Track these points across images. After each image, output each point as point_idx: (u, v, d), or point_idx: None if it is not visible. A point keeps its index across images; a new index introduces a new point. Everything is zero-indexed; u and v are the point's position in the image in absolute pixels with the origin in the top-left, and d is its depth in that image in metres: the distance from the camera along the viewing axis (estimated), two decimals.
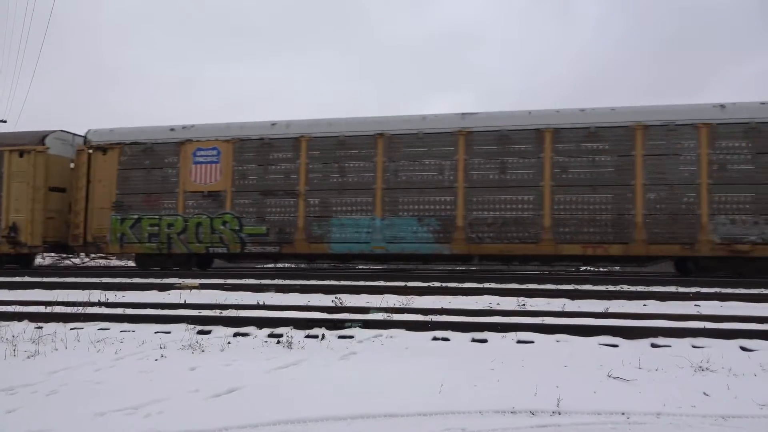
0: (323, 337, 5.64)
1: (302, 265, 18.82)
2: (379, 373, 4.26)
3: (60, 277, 13.22)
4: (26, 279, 12.33)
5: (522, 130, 12.93)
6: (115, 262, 21.54)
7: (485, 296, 9.10)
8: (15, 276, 13.33)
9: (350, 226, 13.56)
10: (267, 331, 5.94)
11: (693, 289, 9.96)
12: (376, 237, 13.42)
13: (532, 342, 5.37)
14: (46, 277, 13.11)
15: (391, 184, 13.40)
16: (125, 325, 6.30)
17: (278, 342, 5.43)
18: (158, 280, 11.82)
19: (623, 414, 3.39)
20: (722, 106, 12.28)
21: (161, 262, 14.75)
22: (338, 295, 8.79)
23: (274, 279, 12.21)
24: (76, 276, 13.52)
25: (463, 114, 13.46)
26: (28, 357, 4.87)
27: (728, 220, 11.94)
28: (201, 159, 14.46)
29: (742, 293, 9.39)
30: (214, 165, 14.35)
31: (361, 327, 6.01)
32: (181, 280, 11.26)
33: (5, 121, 27.46)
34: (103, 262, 21.26)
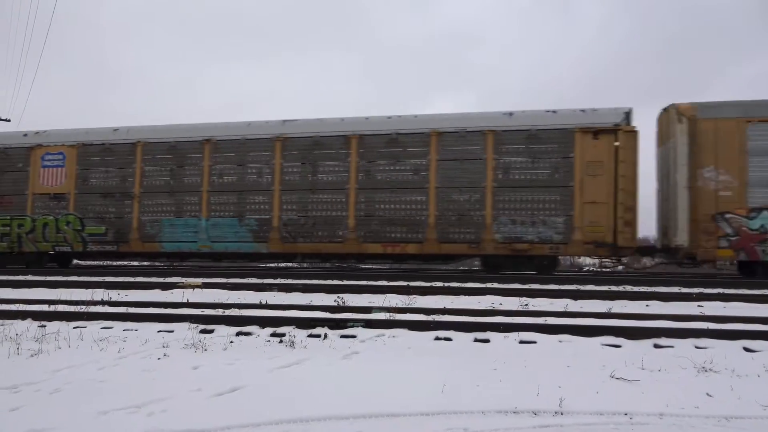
0: (326, 336, 5.64)
1: (304, 265, 18.85)
2: (381, 373, 4.26)
3: (63, 276, 13.25)
4: (30, 278, 12.37)
5: (333, 136, 13.79)
6: None
7: (488, 296, 9.09)
8: (18, 275, 13.37)
9: (180, 227, 14.44)
10: (269, 330, 5.94)
11: (696, 290, 9.94)
12: (202, 236, 14.30)
13: (535, 342, 5.37)
14: (50, 275, 13.15)
15: (216, 187, 14.29)
16: (128, 324, 6.31)
17: (281, 341, 5.43)
18: (161, 279, 11.84)
19: (626, 414, 3.38)
20: (510, 114, 13.14)
21: (14, 261, 15.58)
22: (341, 295, 8.80)
23: (276, 278, 12.22)
24: (79, 275, 13.56)
25: (284, 121, 14.32)
26: (32, 355, 4.89)
27: (510, 220, 12.80)
28: (49, 163, 15.38)
29: (745, 294, 9.37)
30: (60, 168, 15.29)
31: (363, 326, 6.01)
32: (183, 279, 11.28)
33: (9, 120, 27.49)
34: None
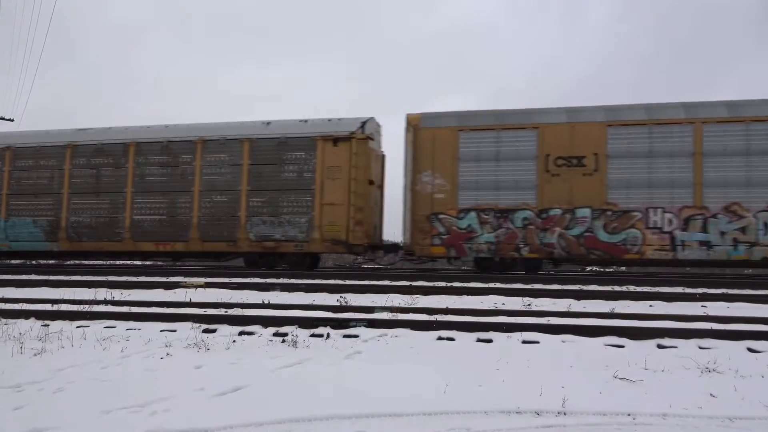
0: (328, 336, 5.65)
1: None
2: (383, 373, 4.26)
3: (66, 275, 13.29)
4: (33, 277, 12.40)
5: (115, 144, 15.07)
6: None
7: (490, 296, 9.08)
8: (22, 274, 13.41)
9: None
10: (272, 330, 5.95)
11: (700, 290, 9.92)
12: (1, 236, 15.63)
13: (538, 342, 5.35)
14: (53, 275, 13.18)
15: (14, 190, 15.62)
16: (131, 324, 6.32)
17: (283, 341, 5.43)
18: (164, 279, 11.86)
19: (629, 415, 3.37)
20: (268, 123, 14.47)
21: None
22: (343, 294, 8.79)
23: (279, 278, 12.23)
24: (82, 274, 13.60)
25: (77, 130, 15.64)
26: (35, 354, 4.90)
27: (261, 221, 14.01)
28: None
29: (749, 294, 9.34)
30: None
31: (366, 326, 6.01)
32: (186, 279, 11.29)
33: (12, 120, 27.57)
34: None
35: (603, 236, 12.50)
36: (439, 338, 5.58)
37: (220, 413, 3.35)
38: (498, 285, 10.76)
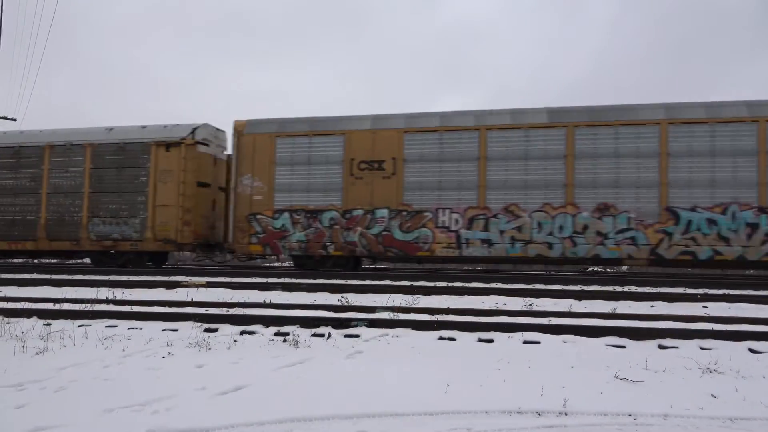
0: (329, 335, 5.65)
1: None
2: (384, 373, 4.26)
3: (68, 274, 13.32)
4: (35, 276, 12.43)
5: None
6: None
7: (491, 296, 9.08)
8: (24, 273, 13.45)
9: None
10: (273, 329, 5.96)
11: (701, 291, 9.90)
12: None
13: (539, 342, 5.36)
14: (55, 274, 13.21)
15: None
16: (133, 323, 6.33)
17: (285, 340, 5.44)
18: (165, 278, 11.87)
19: (630, 415, 3.37)
20: (110, 129, 15.42)
21: None
22: (344, 294, 8.80)
23: (280, 278, 12.24)
24: (84, 273, 13.63)
25: None
26: (37, 353, 4.91)
27: (101, 221, 14.94)
28: None
29: (750, 295, 9.33)
30: None
31: (367, 326, 6.01)
32: (188, 278, 11.31)
33: (15, 119, 27.59)
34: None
35: (398, 235, 13.36)
36: (441, 338, 5.58)
37: (222, 412, 3.36)
38: (499, 285, 10.77)
